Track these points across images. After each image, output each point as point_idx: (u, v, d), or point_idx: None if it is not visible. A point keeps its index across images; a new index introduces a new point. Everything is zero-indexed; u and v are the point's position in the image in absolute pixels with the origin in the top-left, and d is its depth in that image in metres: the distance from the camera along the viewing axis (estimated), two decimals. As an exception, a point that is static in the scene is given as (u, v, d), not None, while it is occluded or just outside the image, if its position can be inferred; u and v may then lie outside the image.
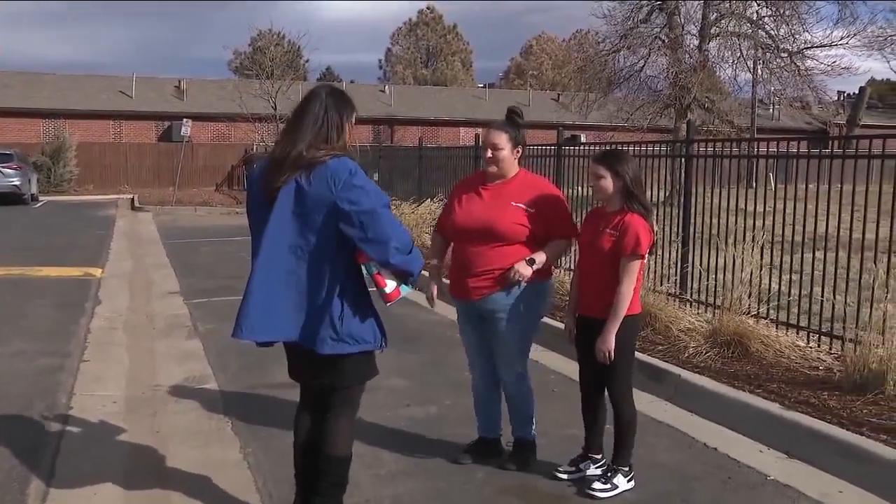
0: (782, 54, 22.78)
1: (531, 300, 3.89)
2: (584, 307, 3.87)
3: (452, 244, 4.06)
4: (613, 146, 8.47)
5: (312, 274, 3.08)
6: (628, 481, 3.86)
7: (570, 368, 5.89)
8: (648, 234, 3.66)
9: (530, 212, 3.82)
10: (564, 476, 3.94)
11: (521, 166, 4.02)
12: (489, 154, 3.89)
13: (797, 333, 6.00)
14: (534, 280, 3.83)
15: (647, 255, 3.71)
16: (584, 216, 4.23)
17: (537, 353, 5.82)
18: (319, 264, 3.07)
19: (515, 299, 3.84)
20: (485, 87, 49.49)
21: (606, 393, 3.88)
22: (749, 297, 6.08)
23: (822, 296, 5.87)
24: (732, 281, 6.26)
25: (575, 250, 4.75)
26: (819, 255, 6.09)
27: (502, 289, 3.81)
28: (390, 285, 3.15)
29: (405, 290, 3.23)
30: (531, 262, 3.79)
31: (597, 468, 3.92)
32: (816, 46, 22.95)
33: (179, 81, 36.02)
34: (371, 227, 2.99)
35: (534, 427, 4.16)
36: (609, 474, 3.84)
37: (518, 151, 3.94)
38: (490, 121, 4.10)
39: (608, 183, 3.70)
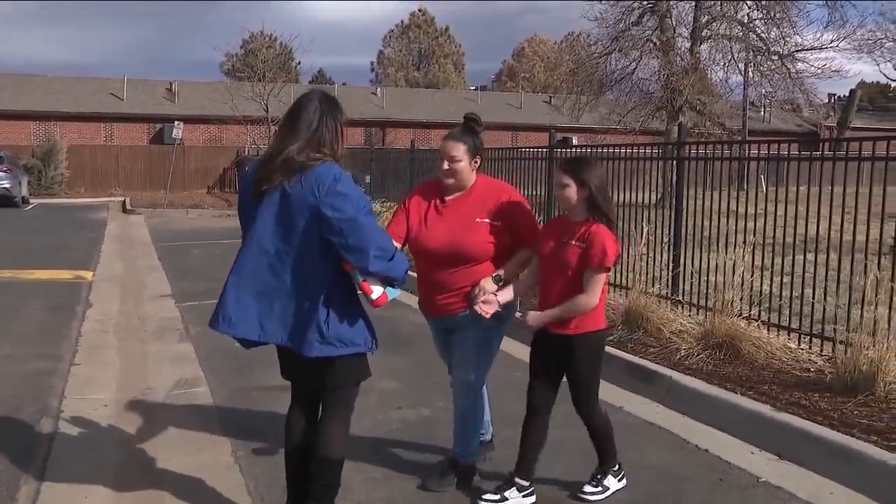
0: (773, 57, 22.94)
1: (503, 312, 3.79)
2: (551, 324, 3.69)
3: (415, 259, 3.92)
4: (603, 149, 8.51)
5: (297, 278, 3.09)
6: (619, 480, 3.86)
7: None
8: (615, 246, 3.54)
9: (496, 225, 3.69)
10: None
11: (481, 173, 3.87)
12: (446, 166, 3.72)
13: (788, 335, 6.03)
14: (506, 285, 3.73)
15: (611, 268, 3.60)
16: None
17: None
18: (303, 268, 3.08)
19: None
20: (477, 89, 49.56)
21: (575, 410, 3.75)
22: (741, 300, 6.09)
23: (814, 298, 5.90)
24: (724, 283, 6.27)
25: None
26: (810, 257, 6.13)
27: (462, 308, 3.71)
28: (377, 291, 3.14)
29: (393, 294, 3.23)
30: (497, 279, 3.68)
31: (523, 496, 3.69)
32: (807, 49, 23.21)
33: (171, 84, 35.95)
34: (351, 234, 2.99)
35: (472, 451, 3.96)
36: (599, 476, 3.83)
37: (476, 161, 3.78)
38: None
39: (572, 192, 3.54)
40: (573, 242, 3.54)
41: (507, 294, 3.65)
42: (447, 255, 3.71)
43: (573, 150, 9.31)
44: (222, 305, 3.17)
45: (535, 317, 3.60)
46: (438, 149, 3.84)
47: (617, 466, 3.87)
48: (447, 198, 3.82)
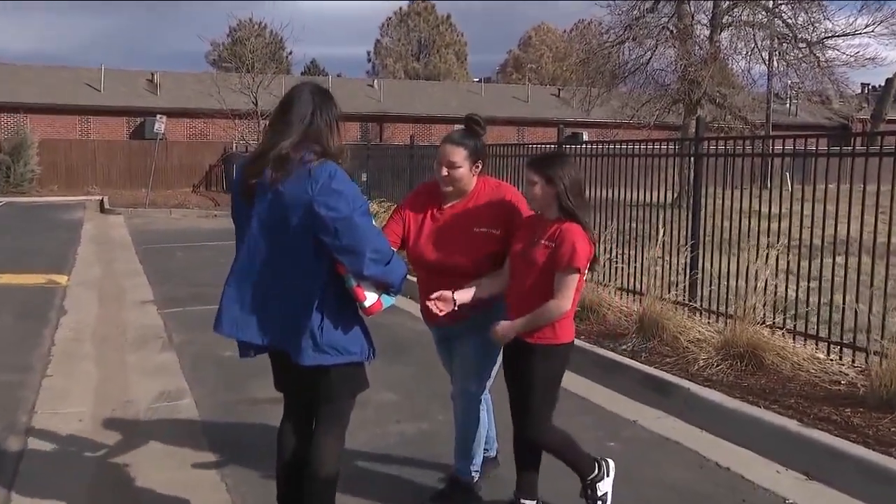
0: (800, 44, 22.63)
1: (499, 319, 3.82)
2: None
3: (414, 268, 3.91)
4: (616, 146, 8.50)
5: (290, 280, 3.10)
6: (609, 476, 3.76)
7: (572, 379, 5.90)
8: (587, 246, 3.50)
9: (494, 234, 3.69)
10: None
11: (484, 172, 3.85)
12: (444, 172, 3.68)
13: (816, 345, 6.01)
14: (491, 303, 3.72)
15: (585, 271, 3.55)
16: None
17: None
18: (297, 270, 3.09)
19: (486, 320, 3.72)
20: (480, 81, 49.58)
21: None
22: (764, 306, 6.08)
23: (844, 304, 5.87)
24: (746, 288, 6.27)
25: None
26: (840, 260, 6.10)
27: (472, 314, 3.70)
28: (370, 298, 3.13)
29: (388, 302, 3.22)
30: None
31: None
32: (838, 35, 22.74)
33: (152, 74, 35.94)
34: (345, 234, 2.99)
35: (475, 467, 3.97)
36: (589, 491, 3.77)
37: (478, 166, 3.76)
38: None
39: (538, 189, 3.54)
40: (543, 242, 3.52)
41: (465, 294, 3.62)
42: (444, 267, 3.73)
43: (584, 146, 9.28)
44: (226, 308, 3.18)
45: (505, 327, 3.55)
46: (437, 151, 3.81)
47: (597, 467, 3.77)
48: (445, 205, 3.80)
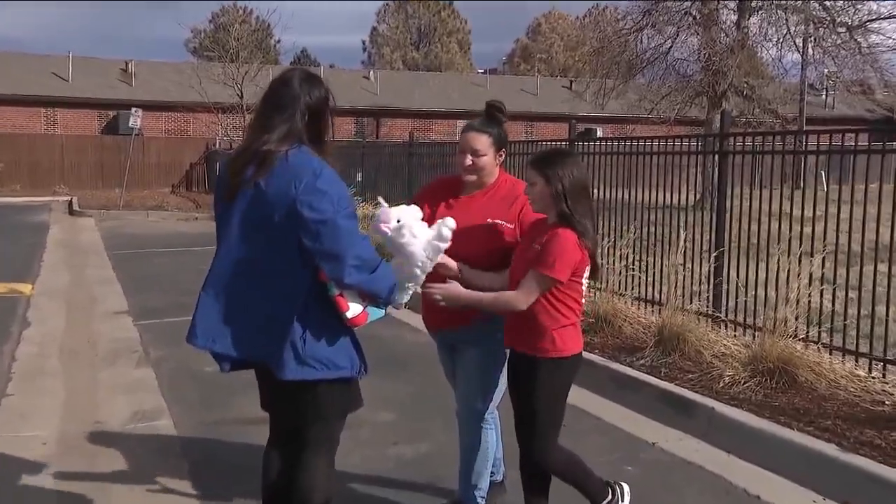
0: (839, 29, 22.20)
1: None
2: (510, 338, 3.69)
3: None
4: (633, 142, 8.49)
5: (272, 286, 3.10)
6: (623, 502, 3.77)
7: (582, 397, 5.89)
8: (576, 255, 3.47)
9: (508, 227, 3.75)
10: None
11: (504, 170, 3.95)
12: (468, 161, 3.77)
13: (856, 361, 5.99)
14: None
15: (581, 281, 3.55)
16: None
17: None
18: (279, 275, 3.09)
19: (490, 328, 3.75)
20: (485, 72, 49.72)
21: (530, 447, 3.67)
22: (796, 318, 6.07)
23: (888, 317, 5.85)
24: (776, 298, 6.25)
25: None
26: (883, 268, 6.07)
27: (476, 318, 3.72)
28: (354, 309, 3.12)
29: (376, 314, 3.21)
30: None
31: None
32: (883, 18, 22.21)
33: (127, 63, 36.04)
34: (327, 238, 2.98)
35: (481, 493, 3.97)
36: None
37: (501, 155, 3.86)
38: (466, 123, 3.93)
39: (537, 190, 3.56)
40: (535, 245, 3.53)
41: (473, 274, 3.64)
42: (454, 256, 3.71)
43: (598, 142, 9.28)
44: (201, 316, 3.18)
45: (451, 289, 3.51)
46: (459, 142, 3.86)
47: (610, 492, 3.77)
48: (462, 195, 3.87)
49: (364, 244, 3.07)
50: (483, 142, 3.77)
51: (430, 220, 3.78)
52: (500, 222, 3.74)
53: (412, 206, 3.50)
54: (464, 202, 3.84)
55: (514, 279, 3.58)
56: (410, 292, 3.35)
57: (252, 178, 3.06)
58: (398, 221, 3.32)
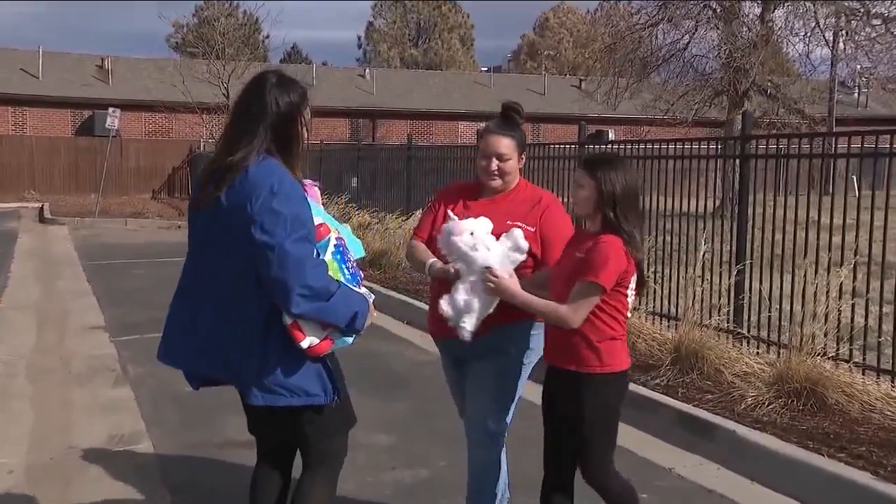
0: (874, 21, 21.96)
1: (521, 342, 3.87)
2: (550, 353, 3.71)
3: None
4: (647, 145, 8.51)
5: (231, 306, 3.12)
6: None
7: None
8: (622, 263, 3.49)
9: (528, 230, 3.80)
10: None
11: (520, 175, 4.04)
12: (494, 166, 3.88)
13: (892, 381, 5.96)
14: (524, 319, 3.76)
15: (626, 292, 3.56)
16: None
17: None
18: (238, 297, 3.11)
19: (501, 339, 3.79)
20: (489, 70, 49.78)
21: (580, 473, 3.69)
22: (825, 335, 6.06)
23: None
24: (803, 313, 6.25)
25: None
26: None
27: (491, 328, 3.72)
28: (310, 340, 3.09)
29: (342, 344, 3.19)
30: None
31: None
32: None
33: (103, 60, 35.96)
34: (273, 264, 2.98)
35: None
36: None
37: (522, 158, 3.98)
38: (489, 115, 4.04)
39: (586, 193, 3.57)
40: (577, 254, 3.55)
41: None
42: None
43: (608, 146, 9.31)
44: (168, 333, 3.24)
45: (503, 281, 3.50)
46: (482, 147, 3.93)
47: None
48: (481, 198, 3.96)
49: (315, 272, 3.04)
50: (508, 145, 3.87)
51: (443, 220, 3.89)
52: (520, 224, 3.78)
53: (481, 218, 3.57)
54: (483, 204, 3.92)
55: (556, 291, 3.60)
56: (481, 315, 3.43)
57: (212, 193, 3.09)
58: (471, 234, 3.34)
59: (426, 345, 8.33)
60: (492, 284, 3.52)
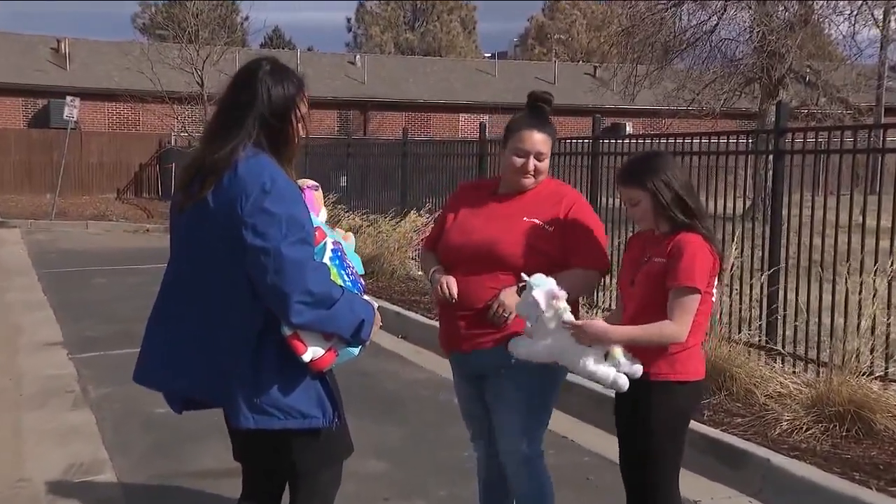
0: None
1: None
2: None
3: (444, 264, 4.07)
4: (669, 140, 8.50)
5: (220, 319, 3.12)
6: None
7: (612, 446, 5.86)
8: (710, 260, 3.60)
9: (547, 230, 3.85)
10: None
11: None
12: (532, 166, 3.93)
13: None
14: None
15: (712, 293, 3.65)
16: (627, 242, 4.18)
17: (566, 424, 5.79)
18: (228, 307, 3.10)
19: None
20: (493, 57, 49.89)
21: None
22: (871, 351, 6.05)
23: None
24: (845, 327, 6.25)
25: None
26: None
27: (503, 338, 3.78)
28: (312, 352, 3.09)
29: (347, 356, 3.20)
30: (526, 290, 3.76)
31: None
32: None
33: (59, 42, 35.93)
34: (269, 271, 2.98)
35: None
36: None
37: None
38: (512, 106, 4.08)
39: (643, 207, 3.67)
40: (655, 259, 3.63)
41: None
42: (475, 255, 3.85)
43: (626, 140, 9.31)
44: (147, 349, 3.25)
45: (596, 326, 3.56)
46: (516, 144, 3.96)
47: None
48: (500, 193, 4.06)
49: (316, 276, 3.05)
50: (546, 143, 3.96)
51: (452, 220, 4.02)
52: (538, 222, 3.85)
53: (549, 278, 3.59)
54: (498, 201, 4.01)
55: (629, 305, 3.70)
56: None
57: (198, 193, 3.09)
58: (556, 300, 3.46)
59: (423, 362, 8.33)
60: (577, 332, 3.55)
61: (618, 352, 3.47)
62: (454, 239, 3.99)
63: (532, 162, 3.92)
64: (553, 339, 3.54)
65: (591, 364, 3.49)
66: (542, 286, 3.52)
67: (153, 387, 3.29)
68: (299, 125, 3.25)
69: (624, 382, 3.48)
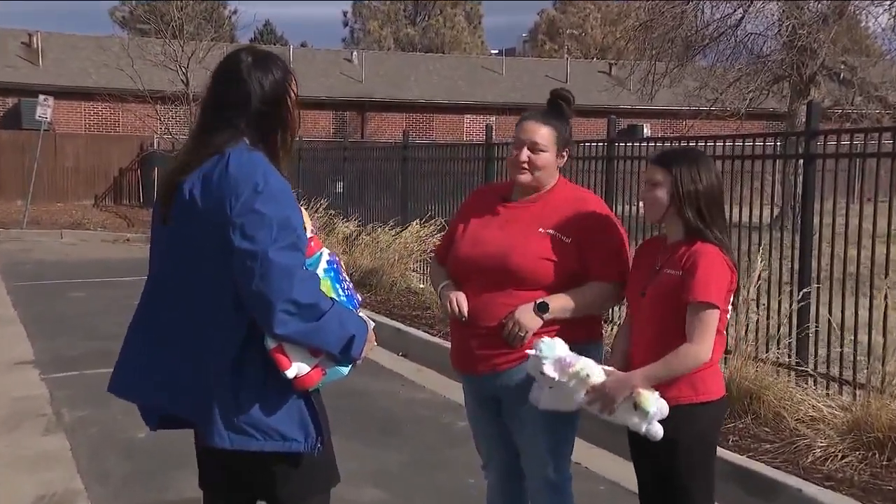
0: None
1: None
2: None
3: (454, 278, 4.07)
4: (690, 143, 8.50)
5: (199, 328, 3.12)
6: None
7: (628, 473, 5.85)
8: (727, 274, 3.60)
9: (564, 242, 3.84)
10: None
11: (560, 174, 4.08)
12: (524, 157, 3.91)
13: None
14: (572, 342, 3.76)
15: (727, 309, 3.65)
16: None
17: (578, 450, 5.73)
18: (208, 316, 3.10)
19: None
20: (500, 53, 49.96)
21: None
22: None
23: None
24: (885, 346, 6.24)
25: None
26: None
27: (519, 358, 3.79)
28: (296, 368, 3.07)
29: (336, 375, 3.18)
30: (542, 307, 3.76)
31: None
32: None
33: (31, 36, 35.87)
34: (254, 276, 2.97)
35: None
36: None
37: (564, 155, 4.02)
38: (520, 107, 4.09)
39: (661, 192, 3.65)
40: (666, 271, 3.61)
41: (560, 301, 3.79)
42: (487, 269, 3.84)
43: (643, 143, 9.31)
44: (123, 360, 3.26)
45: (616, 385, 3.57)
46: (514, 134, 3.99)
47: None
48: (512, 200, 4.01)
49: (304, 286, 3.03)
50: (544, 135, 3.90)
51: (463, 230, 4.02)
52: (554, 233, 3.84)
53: (555, 339, 3.63)
54: (511, 210, 3.98)
55: (638, 319, 3.73)
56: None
57: (182, 190, 3.10)
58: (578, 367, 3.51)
59: (423, 381, 8.33)
60: (603, 401, 3.58)
61: (646, 401, 3.48)
62: (464, 251, 3.98)
63: (525, 153, 3.90)
64: (577, 395, 3.58)
65: (620, 417, 3.54)
66: (550, 357, 3.56)
67: (130, 398, 3.29)
68: (295, 111, 3.25)
69: (657, 431, 3.49)
